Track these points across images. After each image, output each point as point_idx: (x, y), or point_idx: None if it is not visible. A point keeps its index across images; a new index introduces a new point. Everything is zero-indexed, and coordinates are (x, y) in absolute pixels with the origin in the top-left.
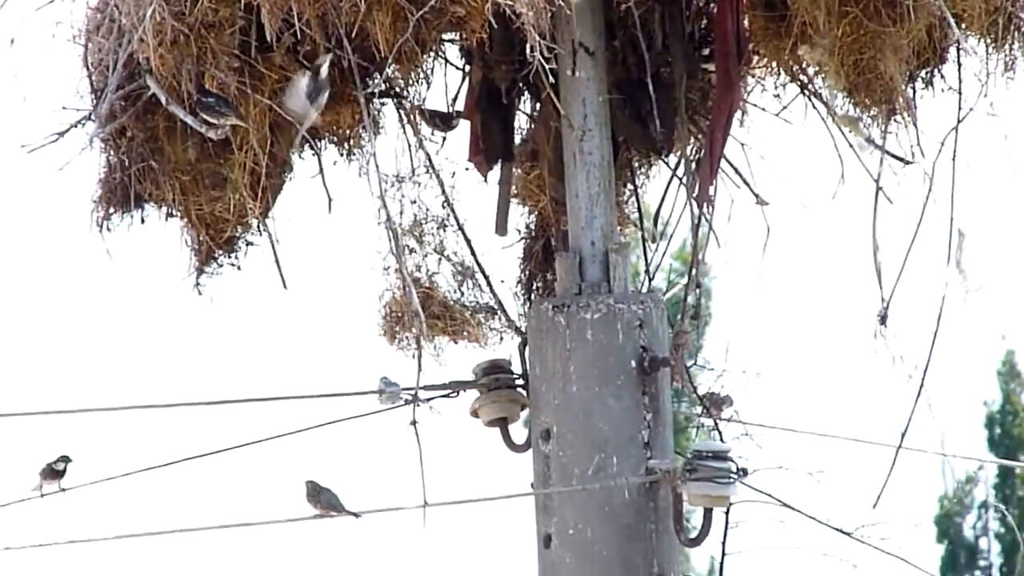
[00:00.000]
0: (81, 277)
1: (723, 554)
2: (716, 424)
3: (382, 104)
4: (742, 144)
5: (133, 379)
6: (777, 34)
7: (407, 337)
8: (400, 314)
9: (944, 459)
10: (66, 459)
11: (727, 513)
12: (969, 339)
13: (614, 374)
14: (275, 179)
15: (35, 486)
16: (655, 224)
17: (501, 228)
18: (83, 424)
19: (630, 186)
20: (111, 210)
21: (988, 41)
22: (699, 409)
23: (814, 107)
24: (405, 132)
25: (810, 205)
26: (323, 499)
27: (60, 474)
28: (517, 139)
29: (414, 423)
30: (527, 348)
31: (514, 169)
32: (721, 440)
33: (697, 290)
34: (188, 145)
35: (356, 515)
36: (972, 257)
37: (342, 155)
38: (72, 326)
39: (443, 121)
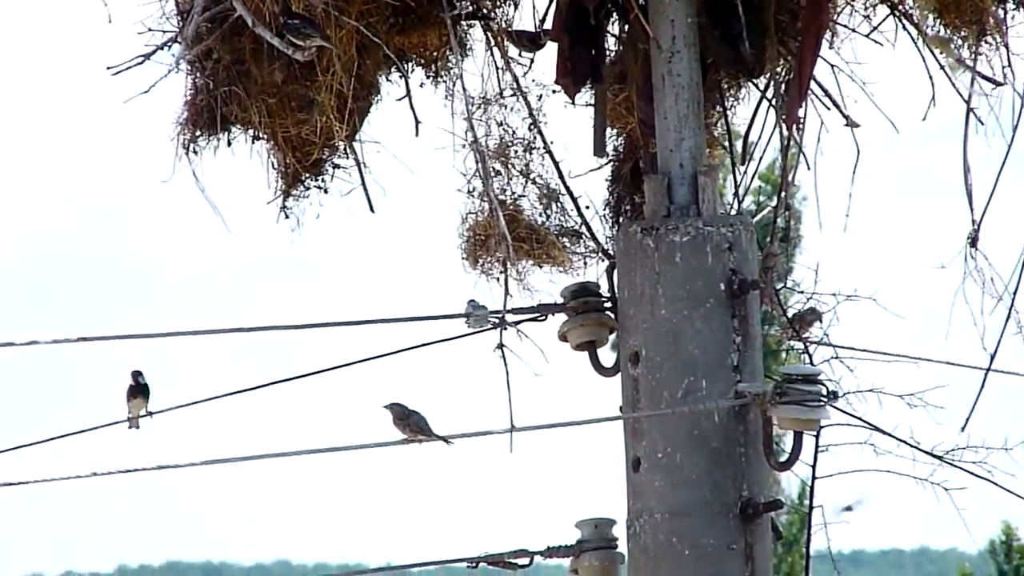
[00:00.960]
0: (166, 199)
1: (813, 478)
2: (806, 347)
3: (469, 26)
4: (832, 66)
5: (219, 303)
6: None
7: (490, 261)
8: (484, 237)
9: None
10: (138, 373)
11: (817, 437)
12: None
13: (703, 297)
14: (362, 101)
15: (129, 415)
16: (744, 146)
17: (599, 148)
18: (172, 348)
19: (719, 108)
20: (197, 133)
21: None
22: (788, 331)
23: (904, 28)
24: (492, 54)
25: (900, 127)
26: (412, 422)
27: (143, 389)
28: (605, 61)
29: (500, 347)
30: (615, 271)
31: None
32: (811, 363)
33: (786, 212)
34: (274, 67)
35: (447, 441)
36: None
37: (429, 78)
38: (161, 250)
39: (530, 41)
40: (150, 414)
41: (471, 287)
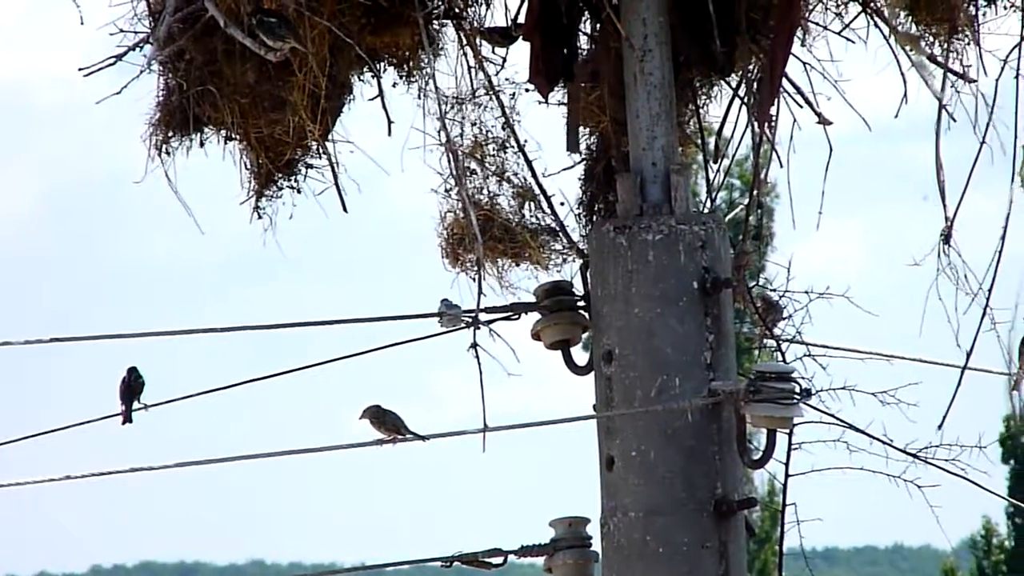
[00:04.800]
0: (141, 201)
1: (786, 475)
2: (779, 345)
3: (441, 25)
4: (804, 63)
5: (191, 303)
6: None
7: (469, 259)
8: (462, 236)
9: (1009, 379)
10: (133, 370)
11: (790, 434)
12: None
13: (676, 295)
14: (334, 101)
15: (123, 415)
16: (716, 144)
17: (572, 145)
18: (144, 349)
19: (691, 106)
20: (170, 133)
21: None
22: (762, 328)
23: (876, 25)
24: (464, 53)
25: (873, 124)
26: (388, 421)
27: (138, 390)
28: (578, 60)
29: (474, 346)
30: (589, 270)
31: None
32: (784, 360)
33: (759, 210)
34: (247, 67)
35: (423, 438)
36: None
37: (401, 77)
38: (134, 250)
39: (502, 36)
40: (146, 407)
41: (445, 286)
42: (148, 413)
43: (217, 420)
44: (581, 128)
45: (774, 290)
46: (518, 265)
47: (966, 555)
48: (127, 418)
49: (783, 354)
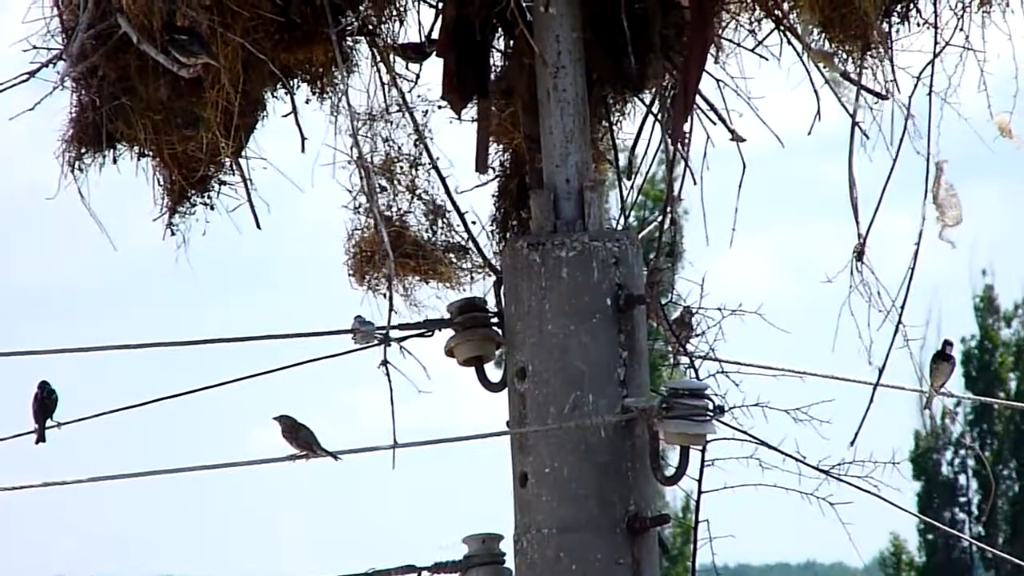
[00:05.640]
0: (54, 218)
1: (699, 492)
2: (692, 362)
3: (355, 42)
4: (717, 80)
5: (103, 319)
6: None
7: (377, 277)
8: (370, 253)
9: (921, 396)
10: (45, 384)
11: (703, 451)
12: (947, 274)
13: (590, 312)
14: (248, 118)
15: (36, 434)
16: (630, 161)
17: (481, 165)
18: (58, 366)
19: (605, 123)
20: (83, 150)
21: None
22: (674, 343)
23: (789, 42)
24: (378, 70)
25: (786, 141)
26: (301, 436)
27: (52, 406)
28: (491, 76)
29: (385, 363)
30: (502, 286)
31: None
32: (697, 377)
33: (672, 227)
34: (160, 84)
35: (336, 457)
36: (949, 191)
37: (315, 94)
38: (46, 266)
39: (415, 52)
40: (58, 425)
41: (358, 303)
42: (60, 431)
43: (129, 437)
44: (495, 145)
45: (689, 307)
46: (427, 283)
47: (878, 573)
48: (40, 437)
49: (696, 371)
